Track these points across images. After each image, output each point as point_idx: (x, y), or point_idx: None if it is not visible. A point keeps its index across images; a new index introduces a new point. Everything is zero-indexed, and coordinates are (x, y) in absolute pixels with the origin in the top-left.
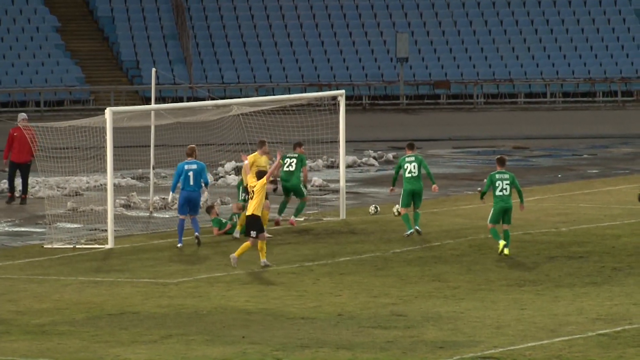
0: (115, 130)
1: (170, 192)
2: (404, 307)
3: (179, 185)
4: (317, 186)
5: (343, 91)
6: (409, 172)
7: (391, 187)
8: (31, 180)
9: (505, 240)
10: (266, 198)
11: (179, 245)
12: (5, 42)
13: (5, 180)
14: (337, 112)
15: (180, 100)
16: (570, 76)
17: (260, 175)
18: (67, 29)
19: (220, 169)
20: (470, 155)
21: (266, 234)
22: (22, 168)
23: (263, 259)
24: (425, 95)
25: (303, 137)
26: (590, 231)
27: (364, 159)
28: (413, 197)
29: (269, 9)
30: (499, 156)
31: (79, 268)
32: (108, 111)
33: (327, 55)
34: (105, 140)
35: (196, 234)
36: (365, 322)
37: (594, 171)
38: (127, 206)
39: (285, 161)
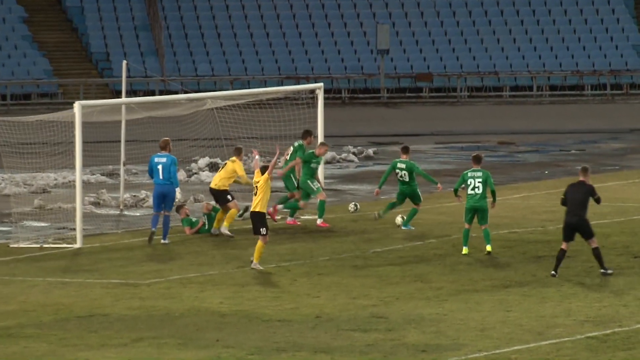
0: (85, 125)
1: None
2: (384, 309)
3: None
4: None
5: (321, 84)
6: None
7: (377, 189)
8: None
9: (485, 239)
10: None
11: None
12: None
13: None
14: (315, 106)
15: (152, 93)
16: (558, 69)
17: (264, 170)
18: (34, 19)
19: (193, 165)
20: (453, 150)
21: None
22: None
23: (256, 262)
24: (406, 88)
25: (280, 132)
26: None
27: (343, 155)
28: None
29: None
30: (475, 153)
31: (47, 268)
32: (77, 105)
33: (305, 47)
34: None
35: (153, 229)
36: (344, 324)
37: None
38: (96, 204)
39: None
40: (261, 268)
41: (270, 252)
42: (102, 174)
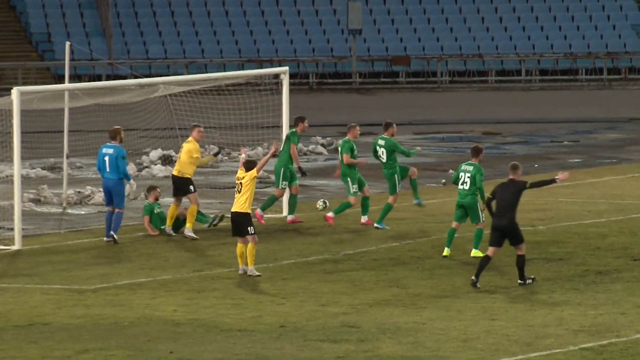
0: (23, 113)
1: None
2: (356, 317)
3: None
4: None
5: (286, 68)
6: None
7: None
8: None
9: (474, 241)
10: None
11: (104, 239)
12: None
13: None
14: (279, 92)
15: (99, 78)
16: (549, 51)
17: (249, 166)
18: None
19: (144, 157)
20: (433, 142)
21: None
22: None
23: (251, 267)
24: (381, 72)
25: (241, 122)
26: (572, 230)
27: (310, 147)
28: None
29: None
30: (474, 145)
31: None
32: (15, 91)
33: (268, 27)
34: (11, 125)
35: (111, 232)
36: (312, 334)
37: (576, 160)
38: (37, 201)
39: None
40: (258, 274)
41: (229, 255)
42: (43, 168)
